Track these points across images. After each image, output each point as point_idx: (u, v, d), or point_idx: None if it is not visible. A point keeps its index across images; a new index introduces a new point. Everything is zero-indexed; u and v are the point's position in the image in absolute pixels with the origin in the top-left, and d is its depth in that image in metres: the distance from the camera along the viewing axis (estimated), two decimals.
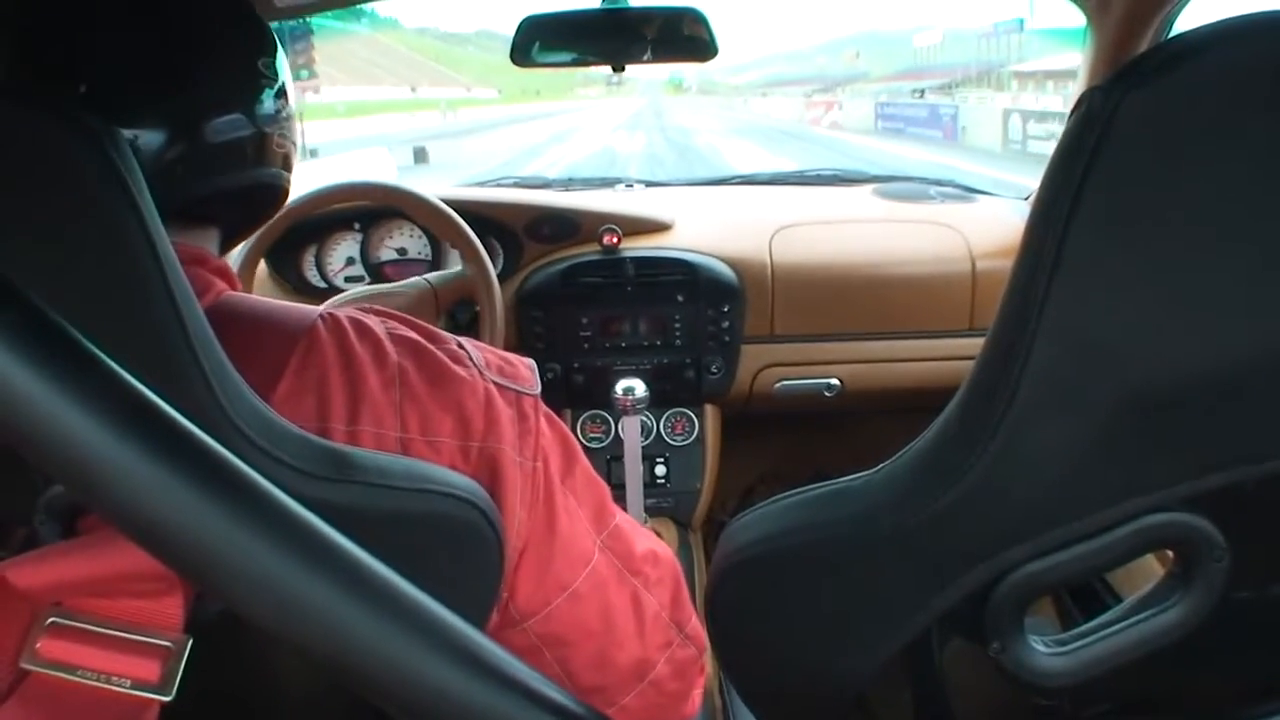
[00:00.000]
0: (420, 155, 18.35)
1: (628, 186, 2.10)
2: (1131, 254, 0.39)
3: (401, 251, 1.79)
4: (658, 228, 1.79)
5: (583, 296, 1.69)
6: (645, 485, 1.57)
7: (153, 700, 0.44)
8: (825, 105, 41.05)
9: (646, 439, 1.74)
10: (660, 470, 1.76)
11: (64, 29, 0.53)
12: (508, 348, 1.35)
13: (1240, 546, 0.45)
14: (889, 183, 2.04)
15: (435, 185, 1.80)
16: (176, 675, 0.44)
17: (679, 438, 1.77)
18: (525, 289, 1.70)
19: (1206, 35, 0.38)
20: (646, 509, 1.57)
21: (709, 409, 1.77)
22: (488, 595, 0.55)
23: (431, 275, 1.51)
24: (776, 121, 40.91)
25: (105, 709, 0.44)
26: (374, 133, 28.03)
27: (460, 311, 1.62)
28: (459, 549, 0.52)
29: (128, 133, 0.54)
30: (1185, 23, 1.41)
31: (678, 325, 1.69)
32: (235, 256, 1.46)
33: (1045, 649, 0.47)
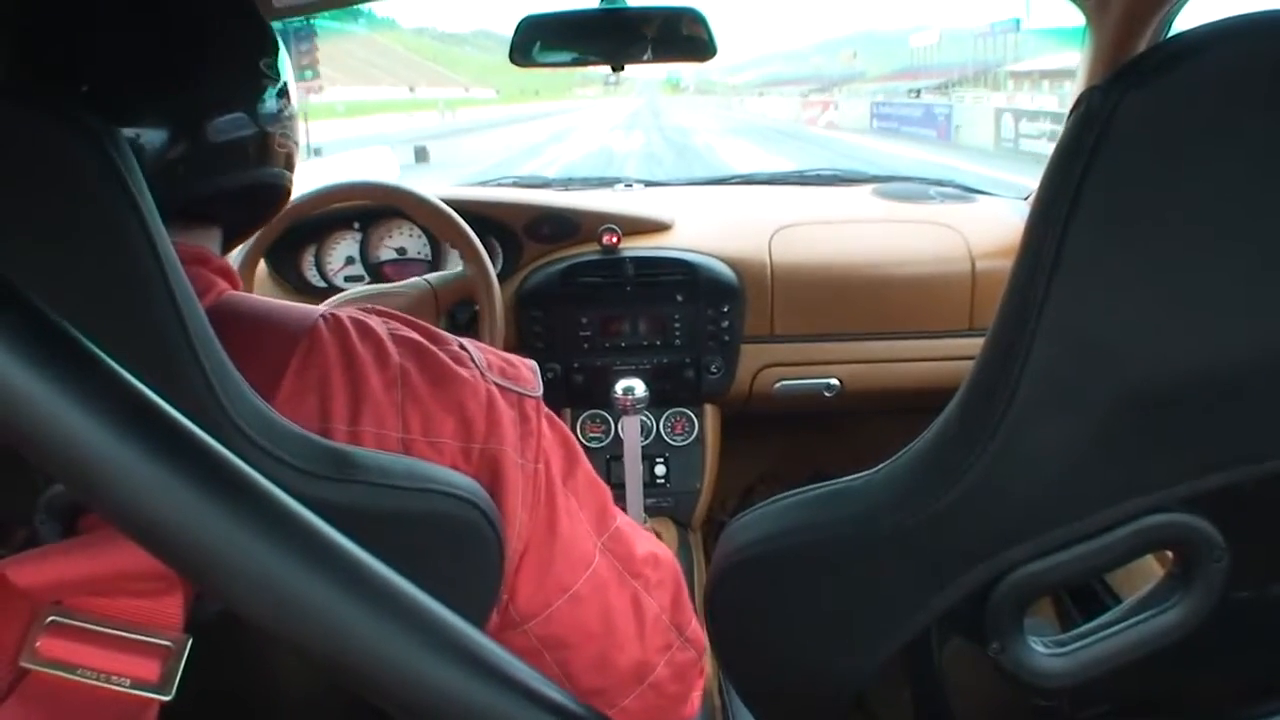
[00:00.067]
0: (421, 154, 18.66)
1: (627, 186, 2.10)
2: (1131, 253, 0.40)
3: (401, 251, 1.79)
4: (657, 227, 1.79)
5: (582, 296, 1.69)
6: (645, 485, 1.57)
7: (152, 700, 0.44)
8: (821, 105, 41.23)
9: (646, 439, 1.74)
10: (660, 470, 1.76)
11: (64, 29, 0.53)
12: (507, 347, 1.35)
13: (1239, 547, 0.45)
14: (889, 183, 2.04)
15: (435, 184, 1.80)
16: (176, 675, 0.44)
17: (679, 438, 1.77)
18: (525, 289, 1.70)
19: (1205, 35, 0.38)
20: (646, 509, 1.57)
21: (709, 409, 1.77)
22: (487, 595, 0.55)
23: (431, 276, 1.51)
24: (773, 121, 41.08)
25: (105, 708, 0.44)
26: (373, 133, 28.14)
27: (460, 311, 1.62)
28: (459, 549, 0.52)
29: (129, 132, 0.54)
30: (1184, 22, 1.42)
31: (677, 325, 1.69)
32: (235, 256, 1.46)
33: (1044, 649, 0.47)
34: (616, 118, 45.10)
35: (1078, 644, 0.47)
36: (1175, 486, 0.43)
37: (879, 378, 1.73)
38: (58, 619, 0.45)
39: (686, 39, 1.36)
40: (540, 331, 1.69)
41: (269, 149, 0.62)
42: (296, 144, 0.66)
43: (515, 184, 2.06)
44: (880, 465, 0.50)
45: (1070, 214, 0.40)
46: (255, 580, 0.32)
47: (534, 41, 1.38)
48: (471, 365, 0.58)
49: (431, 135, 26.30)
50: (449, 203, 1.50)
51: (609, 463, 1.71)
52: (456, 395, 0.56)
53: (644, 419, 1.73)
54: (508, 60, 1.41)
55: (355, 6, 1.50)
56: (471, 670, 0.35)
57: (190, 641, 0.45)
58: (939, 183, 2.06)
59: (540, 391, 0.61)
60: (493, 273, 1.49)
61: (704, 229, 1.79)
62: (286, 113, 0.63)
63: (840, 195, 2.02)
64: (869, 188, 2.00)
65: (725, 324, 1.68)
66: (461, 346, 0.60)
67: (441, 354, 0.58)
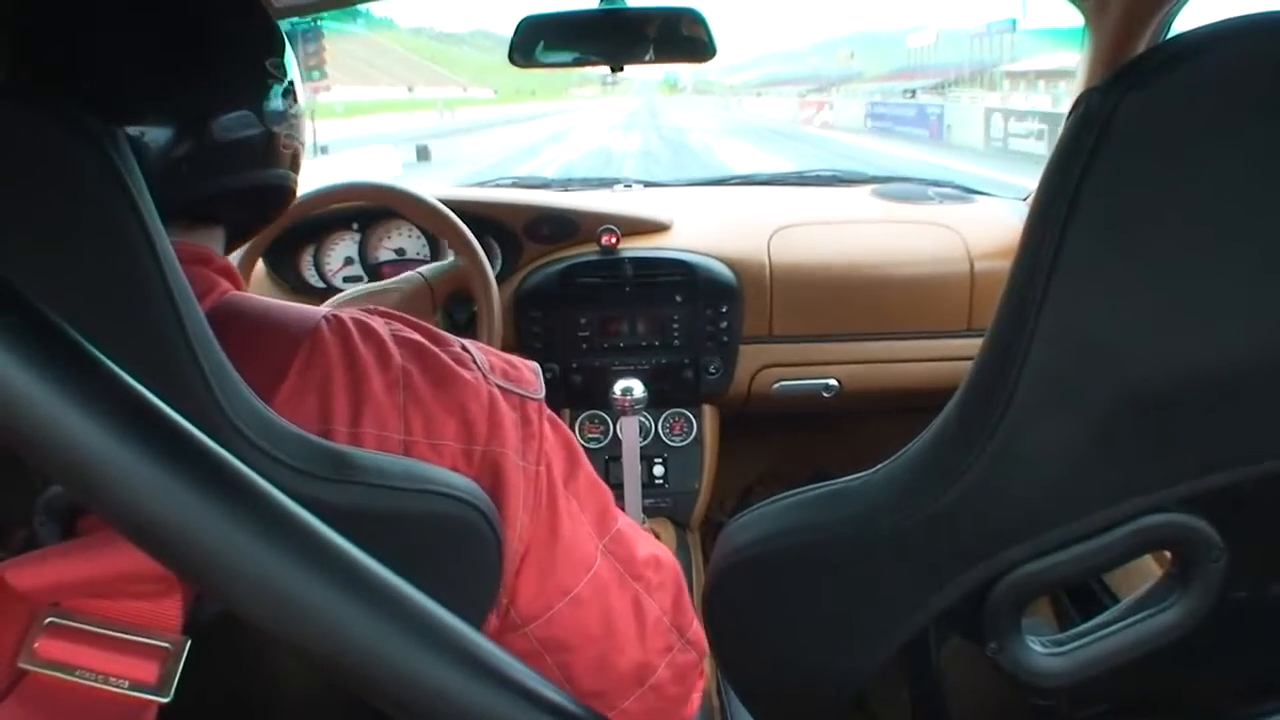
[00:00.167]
0: (423, 153, 19.09)
1: (626, 187, 2.10)
2: (1130, 254, 0.40)
3: (400, 252, 1.79)
4: (656, 228, 1.79)
5: (581, 297, 1.69)
6: (643, 485, 1.57)
7: (151, 701, 0.44)
8: (817, 105, 41.47)
9: (645, 439, 1.74)
10: (658, 470, 1.76)
11: (64, 29, 0.53)
12: (506, 347, 1.35)
13: (1237, 547, 0.45)
14: (887, 183, 2.04)
15: (436, 184, 1.80)
16: (175, 676, 0.44)
17: (677, 438, 1.77)
18: (524, 289, 1.70)
19: (1205, 36, 0.38)
20: (645, 509, 1.57)
21: (707, 409, 1.77)
22: (486, 596, 0.55)
23: (424, 268, 1.51)
24: (770, 121, 41.38)
25: (103, 709, 0.44)
26: (372, 132, 28.31)
27: (458, 312, 1.62)
28: (458, 549, 0.52)
29: (133, 130, 0.53)
30: (1183, 23, 1.42)
31: (676, 325, 1.69)
32: (232, 256, 1.46)
33: (1042, 649, 0.47)
34: (614, 118, 45.32)
35: (1076, 644, 0.47)
36: (1174, 487, 0.43)
37: (878, 378, 1.73)
38: (56, 620, 0.45)
39: (686, 39, 1.36)
40: (539, 332, 1.69)
41: (274, 149, 0.61)
42: (302, 144, 0.65)
43: (514, 184, 2.06)
44: (879, 466, 0.50)
45: (1069, 215, 0.40)
46: (254, 581, 0.32)
47: (534, 42, 1.38)
48: (474, 367, 0.58)
49: (431, 135, 26.46)
50: (448, 203, 1.50)
51: (607, 463, 1.71)
52: (458, 397, 0.56)
53: (642, 419, 1.73)
54: (505, 60, 1.41)
55: (354, 7, 1.50)
56: (470, 671, 0.35)
57: (189, 643, 0.45)
58: (938, 183, 2.06)
59: (542, 393, 0.61)
60: (486, 261, 1.49)
61: (703, 229, 1.79)
62: (292, 112, 0.63)
63: (839, 196, 2.02)
64: (868, 188, 2.01)
65: (724, 324, 1.68)
66: (464, 348, 0.60)
67: (444, 355, 0.58)
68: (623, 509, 0.71)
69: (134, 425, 0.31)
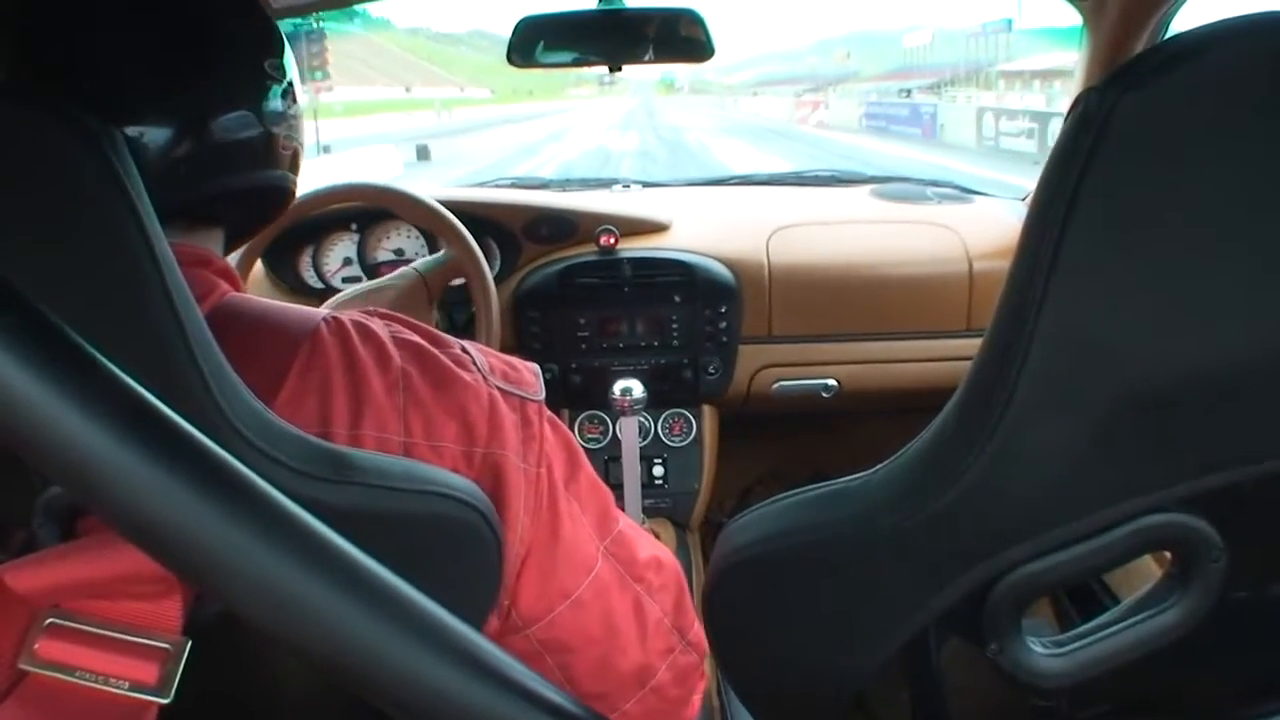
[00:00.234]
0: (423, 152, 19.34)
1: (625, 187, 2.10)
2: (1129, 254, 0.40)
3: (399, 252, 1.79)
4: (655, 228, 1.79)
5: (580, 297, 1.69)
6: (643, 486, 1.57)
7: (151, 702, 0.44)
8: (812, 105, 41.68)
9: (644, 439, 1.73)
10: (658, 471, 1.76)
11: (64, 29, 0.53)
12: (505, 348, 1.35)
13: (1237, 547, 0.45)
14: (886, 183, 2.04)
15: (435, 184, 1.81)
16: (175, 677, 0.44)
17: (677, 438, 1.77)
18: (523, 289, 1.70)
19: (1204, 36, 0.38)
20: (644, 510, 1.57)
21: (707, 409, 1.77)
22: (486, 597, 0.55)
23: (417, 263, 1.50)
24: (766, 121, 41.70)
25: (103, 710, 0.44)
26: (370, 132, 28.40)
27: (458, 312, 1.62)
28: (458, 550, 0.52)
29: (132, 130, 0.53)
30: (1182, 23, 1.42)
31: (675, 326, 1.69)
32: (231, 257, 1.46)
33: (1043, 649, 0.47)
34: (612, 118, 45.56)
35: (1076, 644, 0.47)
36: (1174, 487, 0.43)
37: (877, 378, 1.73)
38: (56, 621, 0.45)
39: (685, 40, 1.36)
40: (538, 332, 1.69)
41: (273, 149, 0.61)
42: (301, 144, 0.65)
43: (513, 185, 2.06)
44: (878, 466, 0.50)
45: (1068, 215, 0.40)
46: (253, 581, 0.32)
47: (532, 42, 1.38)
48: (474, 369, 0.58)
49: (430, 134, 26.61)
50: (446, 204, 1.50)
51: (607, 463, 1.71)
52: (459, 399, 0.56)
53: (642, 420, 1.73)
54: (502, 60, 1.41)
55: (351, 7, 1.50)
56: (469, 671, 0.35)
57: (189, 644, 0.45)
58: (936, 183, 2.06)
59: (543, 395, 0.61)
60: (483, 261, 1.48)
61: (702, 230, 1.79)
62: (291, 113, 0.63)
63: (838, 196, 2.02)
64: (866, 188, 2.01)
65: (723, 325, 1.68)
66: (464, 350, 0.60)
67: (443, 357, 0.58)
68: (622, 509, 0.70)
69: (133, 426, 0.31)
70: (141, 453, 0.30)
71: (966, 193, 2.00)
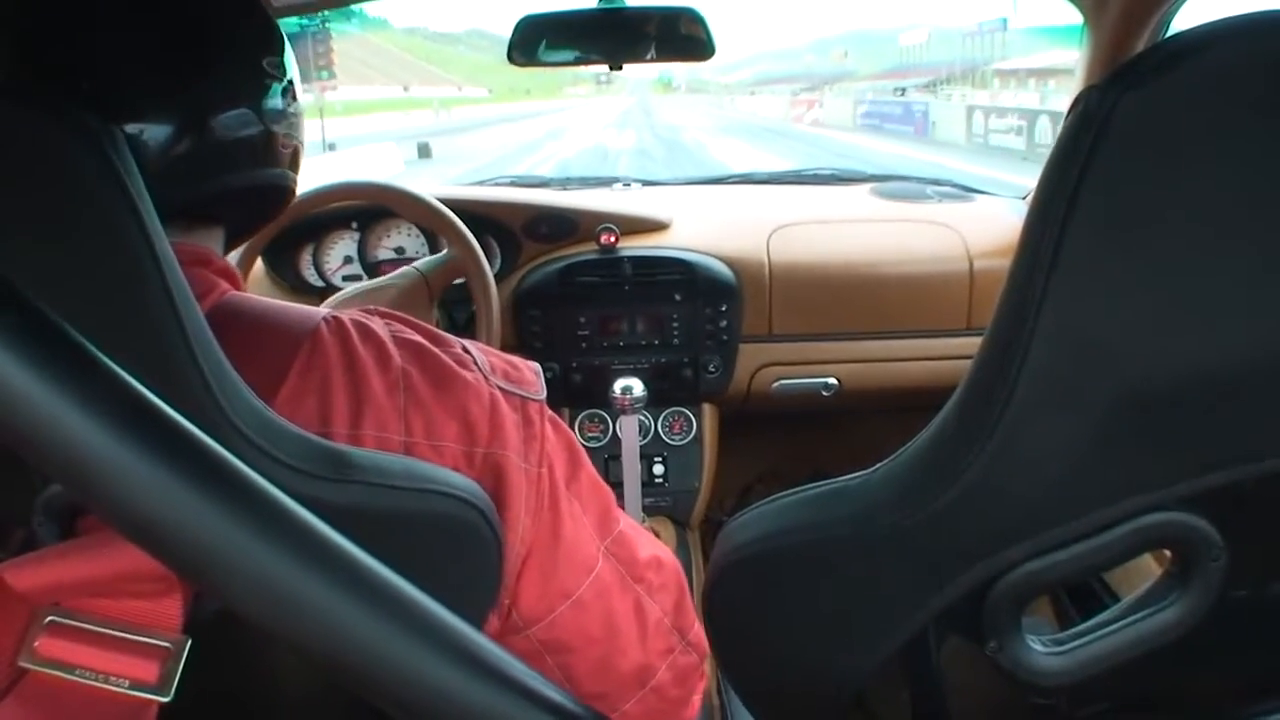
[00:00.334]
0: (424, 150, 19.51)
1: (625, 185, 2.10)
2: (1129, 253, 0.40)
3: (399, 250, 1.79)
4: (655, 227, 1.79)
5: (580, 296, 1.69)
6: (643, 484, 1.57)
7: (151, 700, 0.44)
8: (808, 104, 41.95)
9: (644, 438, 1.74)
10: (658, 469, 1.76)
11: (64, 28, 0.53)
12: (505, 347, 1.35)
13: (1237, 546, 0.45)
14: (886, 182, 2.04)
15: (437, 181, 1.81)
16: (175, 676, 0.44)
17: (677, 437, 1.77)
18: (523, 288, 1.70)
19: (1205, 35, 0.38)
20: (644, 508, 1.57)
21: (707, 408, 1.77)
22: (485, 596, 0.55)
23: (419, 263, 1.50)
24: (762, 119, 41.96)
25: (103, 709, 0.44)
26: (370, 131, 28.50)
27: (458, 311, 1.62)
28: (457, 549, 0.52)
29: (133, 128, 0.53)
30: (1182, 22, 1.42)
31: (675, 324, 1.69)
32: (231, 256, 1.46)
33: (1042, 648, 0.47)
34: (609, 116, 45.83)
35: (1075, 642, 0.47)
36: (1174, 485, 0.43)
37: (877, 377, 1.73)
38: (56, 619, 0.45)
39: (685, 38, 1.36)
40: (538, 331, 1.69)
41: (273, 147, 0.61)
42: (301, 142, 0.65)
43: (513, 183, 2.06)
44: (878, 465, 0.50)
45: (1068, 214, 0.39)
46: (253, 579, 0.32)
47: (533, 41, 1.38)
48: (475, 368, 0.58)
49: (429, 133, 26.74)
50: (446, 202, 1.50)
51: (607, 462, 1.71)
52: (459, 398, 0.56)
53: (642, 418, 1.73)
54: (500, 60, 1.41)
55: (349, 6, 1.50)
56: (469, 669, 0.35)
57: (189, 642, 0.45)
58: (937, 182, 2.06)
59: (544, 394, 0.61)
60: (484, 259, 1.48)
61: (702, 228, 1.79)
62: (291, 111, 0.62)
63: (838, 195, 2.02)
64: (867, 187, 2.01)
65: (723, 323, 1.68)
66: (465, 349, 0.60)
67: (444, 357, 0.57)
68: (622, 508, 0.71)
69: (133, 424, 0.31)
70: (141, 451, 0.30)
71: (967, 191, 2.00)
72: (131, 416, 0.31)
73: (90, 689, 0.44)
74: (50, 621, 0.45)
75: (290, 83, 0.63)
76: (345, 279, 1.77)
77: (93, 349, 0.32)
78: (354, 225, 1.76)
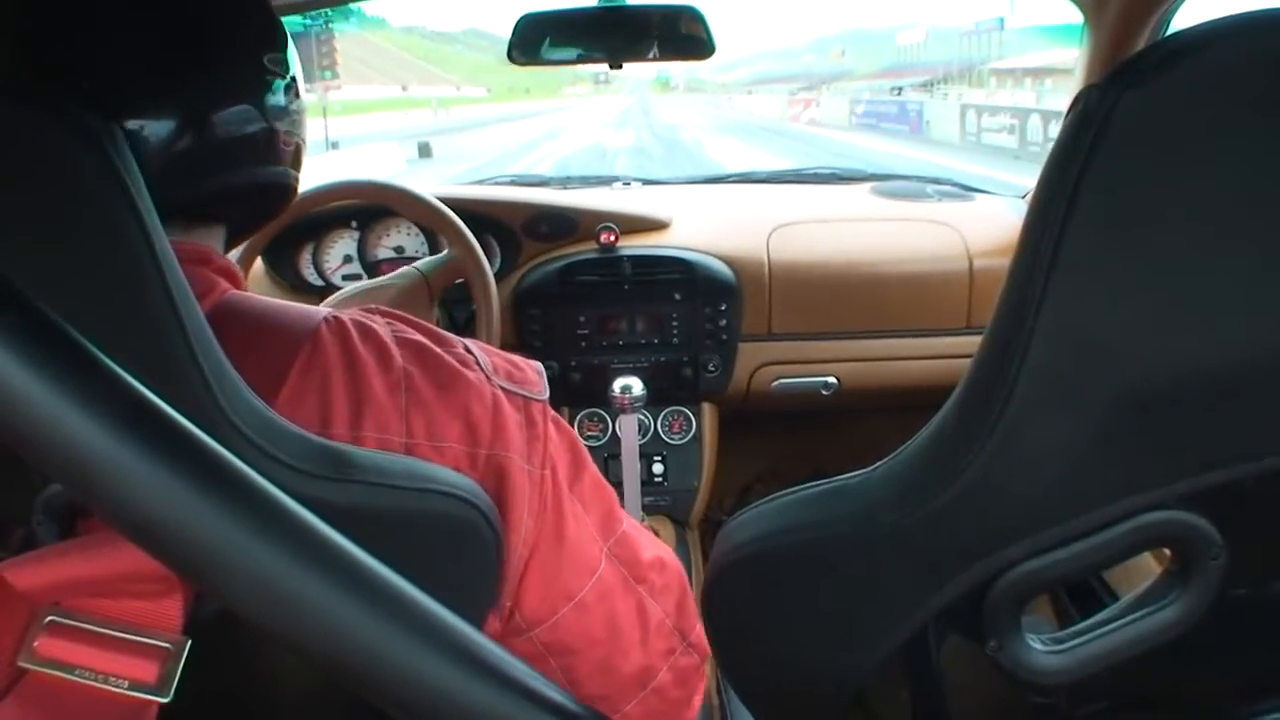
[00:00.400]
0: (424, 149, 19.74)
1: (625, 185, 2.10)
2: (1129, 252, 0.39)
3: (399, 250, 1.78)
4: (655, 226, 1.79)
5: (580, 295, 1.69)
6: (643, 483, 1.57)
7: (150, 701, 0.44)
8: (804, 103, 42.20)
9: (644, 437, 1.74)
10: (658, 468, 1.76)
11: (64, 28, 0.53)
12: (505, 346, 1.35)
13: (1237, 545, 0.45)
14: (886, 181, 2.04)
15: (438, 180, 1.81)
16: (174, 676, 0.44)
17: (676, 436, 1.77)
18: (523, 287, 1.70)
19: (1205, 33, 0.38)
20: (644, 507, 1.57)
21: (706, 407, 1.77)
22: (486, 596, 0.55)
23: (419, 263, 1.50)
24: (760, 119, 42.22)
25: (103, 709, 0.44)
26: (370, 130, 28.59)
27: (458, 311, 1.62)
28: (458, 549, 0.52)
29: (133, 124, 0.53)
30: (1182, 20, 1.42)
31: (675, 323, 1.69)
32: (231, 254, 1.46)
33: (1042, 647, 0.47)
34: (608, 115, 46.07)
35: (1075, 641, 0.47)
36: (1173, 484, 0.43)
37: (877, 376, 1.73)
38: (56, 619, 0.45)
39: (685, 37, 1.36)
40: (538, 330, 1.69)
41: (275, 145, 0.61)
42: (303, 140, 0.65)
43: (513, 182, 2.06)
44: (878, 463, 0.50)
45: (1068, 213, 0.39)
46: (253, 578, 0.32)
47: (533, 39, 1.38)
48: (477, 368, 0.58)
49: (428, 132, 26.87)
50: (446, 201, 1.50)
51: (606, 461, 1.71)
52: (462, 399, 0.56)
53: (642, 417, 1.73)
54: (499, 59, 1.42)
55: (348, 5, 1.50)
56: (469, 670, 0.35)
57: (189, 643, 0.45)
58: (937, 181, 2.06)
59: (546, 394, 0.60)
60: (484, 258, 1.48)
61: (702, 227, 1.79)
62: (293, 108, 0.62)
63: (838, 194, 2.02)
64: (866, 186, 2.00)
65: (723, 322, 1.68)
66: (467, 349, 0.59)
67: (446, 357, 0.57)
68: (622, 507, 0.70)
69: (133, 424, 0.31)
70: (141, 450, 0.30)
71: (967, 190, 2.00)
72: (131, 416, 0.31)
73: (90, 689, 0.44)
74: (50, 621, 0.45)
75: (292, 79, 0.62)
76: (345, 278, 1.77)
77: (93, 349, 0.32)
78: (354, 224, 1.76)
